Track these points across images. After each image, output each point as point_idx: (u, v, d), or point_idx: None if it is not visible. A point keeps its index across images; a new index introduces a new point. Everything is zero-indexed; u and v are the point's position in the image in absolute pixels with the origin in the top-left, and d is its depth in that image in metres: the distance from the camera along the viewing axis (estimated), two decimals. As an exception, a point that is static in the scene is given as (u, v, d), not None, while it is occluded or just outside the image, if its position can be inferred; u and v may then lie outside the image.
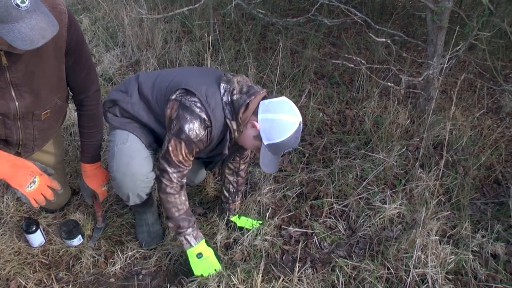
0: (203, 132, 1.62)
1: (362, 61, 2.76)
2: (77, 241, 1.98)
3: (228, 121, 1.64)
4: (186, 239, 1.79)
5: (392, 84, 2.79)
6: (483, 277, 1.94)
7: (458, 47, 2.61)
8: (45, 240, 1.99)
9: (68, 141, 2.57)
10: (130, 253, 1.99)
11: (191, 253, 1.81)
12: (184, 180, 1.75)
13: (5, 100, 1.48)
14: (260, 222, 2.13)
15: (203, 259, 1.82)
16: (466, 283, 1.92)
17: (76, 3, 4.49)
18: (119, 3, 3.84)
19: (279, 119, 1.58)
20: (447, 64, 2.55)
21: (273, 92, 2.96)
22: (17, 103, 1.51)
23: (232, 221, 2.13)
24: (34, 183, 1.52)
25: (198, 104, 1.60)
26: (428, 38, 2.96)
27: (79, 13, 4.22)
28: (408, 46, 4.00)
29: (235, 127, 1.65)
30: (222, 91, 1.64)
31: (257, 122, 1.61)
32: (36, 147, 1.77)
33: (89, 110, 1.78)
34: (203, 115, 1.60)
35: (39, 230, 1.93)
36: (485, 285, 1.92)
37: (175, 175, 1.70)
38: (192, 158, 1.71)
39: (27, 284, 1.81)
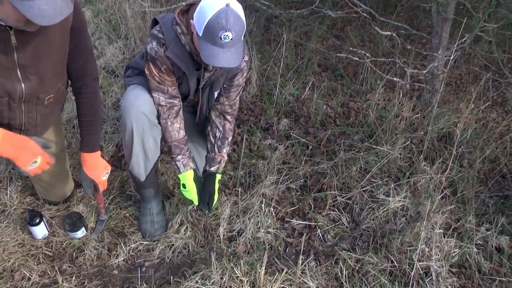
0: (161, 48, 1.73)
1: (367, 54, 2.74)
2: (80, 233, 1.99)
3: (174, 27, 1.72)
4: (176, 165, 1.94)
5: (398, 79, 2.77)
6: (487, 271, 1.94)
7: (464, 39, 2.58)
8: (48, 232, 2.00)
9: (71, 134, 2.57)
10: (133, 245, 1.99)
11: (180, 180, 1.98)
12: (176, 102, 1.87)
13: (12, 80, 1.50)
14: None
15: (186, 191, 1.97)
16: (470, 276, 1.92)
17: (79, -4, 4.47)
18: (122, -4, 3.81)
19: (203, 4, 1.57)
20: (452, 56, 2.53)
21: (276, 85, 2.94)
22: (23, 85, 1.53)
23: (211, 177, 2.03)
24: (35, 163, 1.58)
25: (158, 28, 1.74)
26: (433, 30, 2.93)
27: (81, 6, 4.20)
28: (412, 38, 3.96)
29: (179, 30, 1.71)
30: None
31: (192, 20, 1.64)
32: (37, 134, 1.78)
33: (87, 98, 1.78)
34: (160, 35, 1.73)
35: (42, 222, 1.93)
36: (489, 278, 1.91)
37: (161, 98, 1.83)
38: (168, 78, 1.79)
39: (31, 276, 1.82)
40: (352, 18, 3.95)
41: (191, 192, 1.96)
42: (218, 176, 2.06)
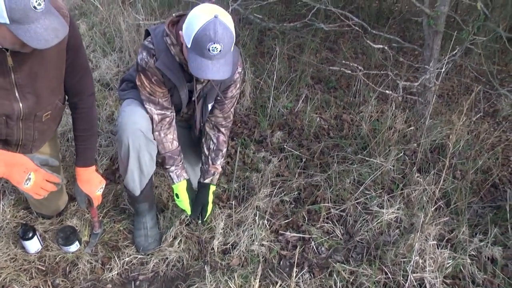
0: (151, 59, 1.73)
1: (359, 67, 2.77)
2: (74, 247, 1.97)
3: (164, 38, 1.72)
4: (170, 176, 1.97)
5: (390, 92, 2.80)
6: (481, 281, 1.94)
7: (454, 52, 2.62)
8: (41, 246, 1.98)
9: (65, 147, 2.57)
10: (127, 258, 1.98)
11: (174, 190, 2.01)
12: (168, 114, 1.88)
13: (10, 101, 1.51)
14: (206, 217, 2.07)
15: (179, 201, 2.00)
16: (464, 287, 1.92)
17: (74, 9, 4.49)
18: (116, 9, 3.84)
19: (191, 15, 1.56)
20: (443, 68, 2.56)
21: (270, 98, 2.96)
22: (21, 104, 1.54)
23: (205, 188, 2.05)
24: (29, 180, 1.53)
25: (149, 39, 1.76)
26: (425, 43, 2.98)
27: (76, 19, 4.22)
28: (404, 51, 4.02)
29: (169, 41, 1.70)
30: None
31: (181, 31, 1.63)
32: (34, 148, 1.78)
33: (83, 113, 1.79)
34: (150, 45, 1.74)
35: (35, 237, 1.92)
36: (483, 290, 1.92)
37: (153, 109, 1.84)
38: (159, 89, 1.79)
39: (24, 291, 1.80)
40: (344, 31, 4.00)
41: (183, 202, 1.98)
42: (212, 188, 2.07)
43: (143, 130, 1.82)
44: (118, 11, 3.77)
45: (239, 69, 1.90)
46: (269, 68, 3.24)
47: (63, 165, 2.38)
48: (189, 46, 1.56)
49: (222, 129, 2.05)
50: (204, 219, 2.06)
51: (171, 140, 1.91)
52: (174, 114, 1.91)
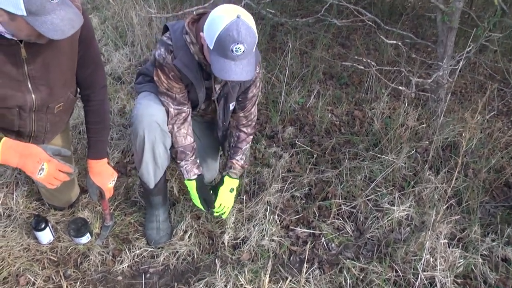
0: (169, 55, 1.73)
1: (372, 63, 2.75)
2: (85, 239, 1.99)
3: (184, 36, 1.71)
4: (180, 170, 1.97)
5: (403, 88, 2.78)
6: (493, 282, 1.93)
7: (469, 49, 2.58)
8: (53, 237, 2.00)
9: (77, 140, 2.58)
10: (137, 251, 2.00)
11: (187, 187, 2.00)
12: (185, 109, 1.87)
13: (22, 92, 1.52)
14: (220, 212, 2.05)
15: (192, 198, 2.01)
16: (476, 287, 1.91)
17: (86, 3, 4.51)
18: (129, 2, 3.84)
19: (213, 16, 1.55)
20: (457, 65, 2.53)
21: (282, 93, 2.95)
22: (33, 96, 1.55)
23: (221, 179, 2.08)
24: (43, 170, 1.54)
25: (168, 35, 1.75)
26: (438, 39, 2.94)
27: (88, 13, 4.24)
28: (417, 47, 3.98)
29: (189, 40, 1.70)
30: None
31: (202, 32, 1.62)
32: (46, 140, 1.80)
33: (95, 105, 1.80)
34: (168, 41, 1.73)
35: (48, 228, 1.94)
36: (495, 290, 1.90)
37: (170, 103, 1.84)
38: (176, 84, 1.79)
39: (36, 281, 1.82)
40: (357, 26, 3.97)
41: (196, 200, 1.99)
42: (229, 180, 2.07)
43: (159, 123, 1.82)
44: (130, 5, 3.77)
45: (257, 69, 1.90)
46: (281, 63, 3.23)
47: (75, 158, 2.40)
48: (211, 47, 1.55)
49: (243, 128, 2.07)
50: (213, 209, 2.01)
51: (184, 134, 1.91)
52: (190, 109, 1.92)
